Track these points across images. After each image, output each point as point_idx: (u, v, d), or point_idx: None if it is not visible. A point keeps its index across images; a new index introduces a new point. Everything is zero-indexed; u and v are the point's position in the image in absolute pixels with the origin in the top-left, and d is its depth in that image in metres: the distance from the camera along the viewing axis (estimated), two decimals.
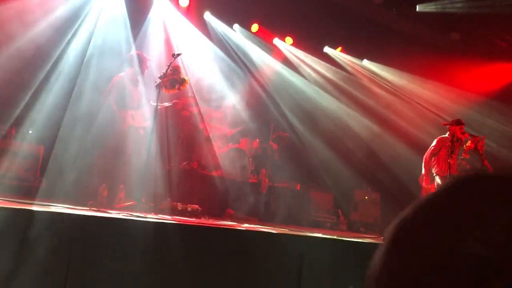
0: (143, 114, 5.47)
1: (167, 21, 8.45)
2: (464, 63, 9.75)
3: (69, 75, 6.89)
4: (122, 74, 5.64)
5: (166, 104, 5.95)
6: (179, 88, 5.19)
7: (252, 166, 8.16)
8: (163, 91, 5.23)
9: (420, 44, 9.60)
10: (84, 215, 2.68)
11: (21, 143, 6.42)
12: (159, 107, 5.74)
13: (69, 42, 7.08)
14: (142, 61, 5.63)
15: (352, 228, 9.03)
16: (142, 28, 7.92)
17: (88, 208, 3.79)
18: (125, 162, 5.40)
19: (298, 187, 8.99)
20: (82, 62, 6.97)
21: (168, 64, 5.15)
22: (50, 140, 6.48)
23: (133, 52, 5.87)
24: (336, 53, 10.52)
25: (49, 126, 6.54)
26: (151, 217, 3.32)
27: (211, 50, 8.93)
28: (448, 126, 6.84)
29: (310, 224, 8.20)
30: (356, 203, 9.73)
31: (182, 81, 5.19)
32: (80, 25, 7.23)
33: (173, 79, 5.14)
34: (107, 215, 3.05)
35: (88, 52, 7.03)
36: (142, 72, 5.65)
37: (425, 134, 9.14)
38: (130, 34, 7.42)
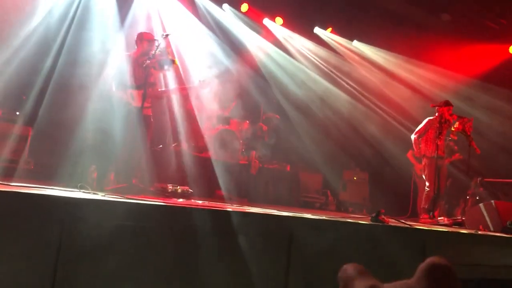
0: (145, 94, 5.35)
1: (156, 0, 8.32)
2: (455, 44, 9.75)
3: (58, 54, 6.80)
4: (128, 53, 5.55)
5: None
6: (168, 69, 5.15)
7: (242, 147, 8.17)
8: (152, 72, 5.19)
9: (410, 25, 9.57)
10: (74, 198, 2.69)
11: (8, 125, 6.35)
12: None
13: (57, 22, 6.98)
14: (148, 42, 5.40)
15: (341, 208, 9.13)
16: (130, 8, 7.80)
17: (78, 190, 3.78)
18: (116, 142, 5.38)
19: (288, 168, 9.05)
20: (66, 39, 6.88)
21: (156, 45, 5.10)
22: (39, 121, 6.43)
23: (139, 32, 5.71)
24: (326, 33, 10.47)
25: (37, 107, 6.48)
26: (141, 199, 3.33)
27: (200, 30, 8.84)
28: (436, 107, 6.90)
29: (299, 204, 8.27)
30: (344, 183, 9.82)
31: (171, 62, 5.15)
32: (68, 2, 7.12)
33: (162, 60, 5.10)
34: (98, 197, 3.06)
35: (73, 30, 6.95)
36: (148, 53, 5.45)
37: (414, 115, 9.20)
38: (117, 14, 7.32)
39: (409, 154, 8.86)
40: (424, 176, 7.07)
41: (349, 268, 0.41)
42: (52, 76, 6.66)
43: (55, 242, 2.33)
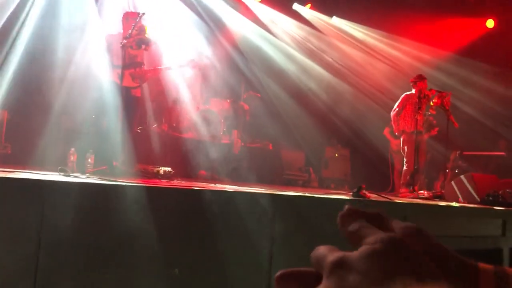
0: (133, 75, 5.24)
1: None
2: (433, 19, 9.81)
3: (32, 36, 6.63)
4: (113, 34, 5.42)
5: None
6: (145, 49, 5.06)
7: (223, 127, 8.15)
8: (130, 51, 5.09)
9: (389, 0, 9.57)
10: (54, 181, 2.65)
11: None
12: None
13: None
14: (134, 21, 5.18)
15: (323, 185, 9.23)
16: None
17: (58, 174, 3.73)
18: (95, 124, 5.30)
19: (270, 146, 9.07)
20: (39, 20, 6.70)
21: (133, 24, 4.99)
22: (15, 104, 6.28)
23: (124, 12, 5.54)
24: (305, 10, 10.40)
25: (12, 90, 6.32)
26: (123, 181, 3.30)
27: (177, 7, 8.69)
28: (416, 82, 6.95)
29: (282, 182, 8.34)
30: (326, 160, 9.91)
31: (148, 41, 5.06)
32: None
33: (139, 39, 5.01)
34: (78, 180, 3.02)
35: (45, 12, 6.77)
36: (133, 33, 5.24)
37: (393, 90, 9.27)
38: None
39: (386, 131, 8.99)
40: (402, 152, 7.14)
41: (321, 248, 0.43)
42: (28, 60, 6.49)
43: (36, 226, 2.30)
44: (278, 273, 0.46)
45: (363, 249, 0.43)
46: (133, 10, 6.76)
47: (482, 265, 0.42)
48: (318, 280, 0.43)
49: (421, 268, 0.40)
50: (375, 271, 0.40)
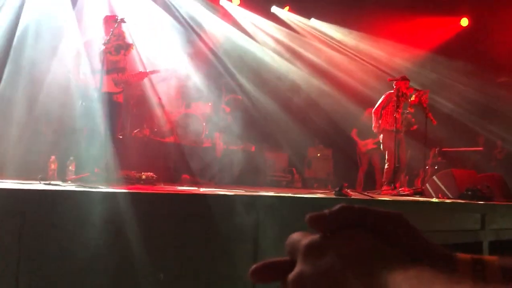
0: (115, 80, 5.17)
1: None
2: (407, 18, 9.96)
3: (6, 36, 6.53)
4: (91, 39, 5.37)
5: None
6: (124, 54, 5.03)
7: (205, 130, 8.13)
8: (108, 57, 5.06)
9: (365, 0, 9.68)
10: (34, 190, 2.62)
11: None
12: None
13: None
14: (112, 26, 5.12)
15: (306, 185, 9.28)
16: None
17: (38, 182, 3.68)
18: (75, 131, 5.25)
19: (253, 148, 9.08)
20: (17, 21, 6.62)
21: (111, 29, 4.96)
22: None
23: (104, 16, 5.48)
24: (283, 12, 10.46)
25: None
26: (105, 188, 3.28)
27: (156, 12, 8.65)
28: (394, 81, 7.04)
29: (266, 184, 8.35)
30: (309, 161, 9.97)
31: (127, 47, 5.03)
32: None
33: (117, 45, 4.98)
34: (60, 188, 2.99)
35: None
36: (111, 39, 5.17)
37: (372, 90, 9.37)
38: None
39: (353, 133, 9.13)
40: (384, 151, 7.20)
41: (294, 234, 0.44)
42: (8, 70, 6.39)
43: (16, 237, 2.28)
44: (252, 268, 0.47)
45: (340, 232, 0.44)
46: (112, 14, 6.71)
47: (459, 254, 0.43)
48: (293, 267, 0.44)
49: (401, 253, 0.41)
50: (352, 253, 0.41)
